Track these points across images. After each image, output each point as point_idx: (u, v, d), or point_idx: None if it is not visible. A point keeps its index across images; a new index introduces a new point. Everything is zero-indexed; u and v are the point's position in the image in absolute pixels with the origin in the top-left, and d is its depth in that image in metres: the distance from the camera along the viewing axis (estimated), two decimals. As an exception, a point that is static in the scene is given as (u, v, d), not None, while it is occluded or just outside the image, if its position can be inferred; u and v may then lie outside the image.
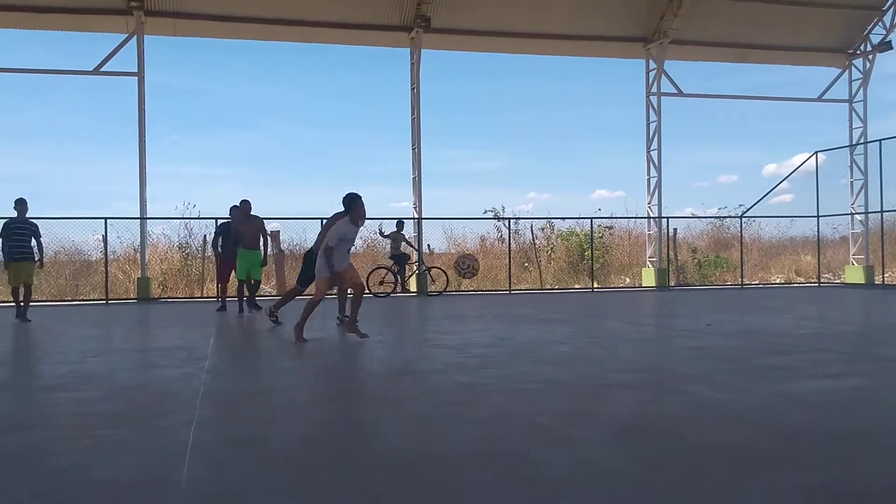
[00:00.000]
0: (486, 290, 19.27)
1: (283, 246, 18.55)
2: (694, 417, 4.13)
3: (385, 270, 16.75)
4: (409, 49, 18.09)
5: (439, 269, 17.98)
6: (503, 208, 22.21)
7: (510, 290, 18.90)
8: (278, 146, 35.82)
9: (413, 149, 18.34)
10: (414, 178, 18.39)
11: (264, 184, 35.12)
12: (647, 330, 9.53)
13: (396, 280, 16.62)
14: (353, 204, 7.85)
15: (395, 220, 16.77)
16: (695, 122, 39.24)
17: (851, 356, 6.51)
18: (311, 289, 8.52)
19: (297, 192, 36.54)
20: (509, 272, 19.30)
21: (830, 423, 3.93)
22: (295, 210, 34.30)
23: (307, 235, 18.82)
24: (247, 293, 11.83)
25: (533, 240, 21.72)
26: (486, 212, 21.91)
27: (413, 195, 18.48)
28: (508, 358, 6.61)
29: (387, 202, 50.00)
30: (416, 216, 18.32)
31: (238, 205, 11.54)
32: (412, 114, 18.28)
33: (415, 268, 17.59)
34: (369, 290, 16.32)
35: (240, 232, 11.39)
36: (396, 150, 36.56)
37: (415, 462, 3.27)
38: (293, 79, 35.21)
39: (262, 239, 11.58)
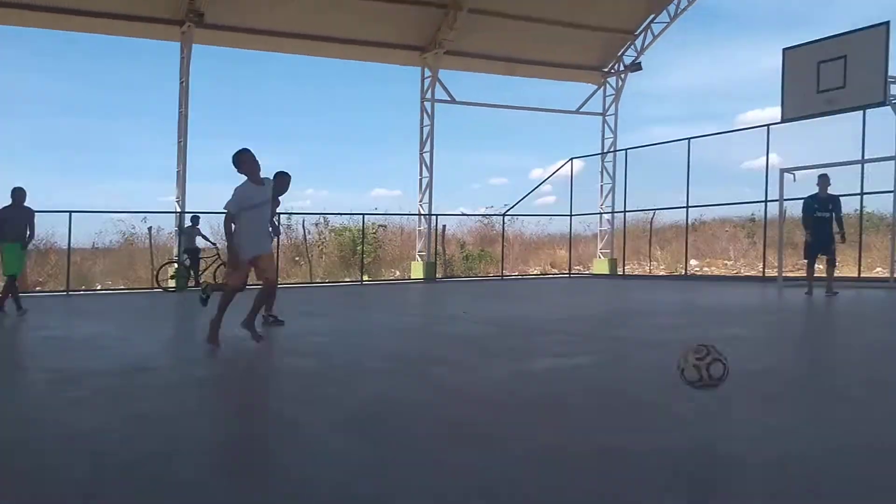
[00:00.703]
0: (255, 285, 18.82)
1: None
2: (436, 398, 4.35)
3: (177, 265, 16.31)
4: (179, 43, 17.44)
5: None
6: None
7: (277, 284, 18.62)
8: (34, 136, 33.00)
9: (179, 142, 17.59)
10: (178, 172, 17.63)
11: (17, 176, 32.00)
12: (408, 319, 9.83)
13: (189, 275, 16.12)
14: (241, 158, 6.24)
15: (190, 215, 16.38)
16: (472, 128, 41.00)
17: (585, 337, 7.15)
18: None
19: (53, 184, 33.57)
20: (277, 266, 18.97)
21: (556, 394, 4.31)
22: (48, 204, 31.55)
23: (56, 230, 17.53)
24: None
25: (304, 235, 21.64)
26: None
27: (177, 189, 17.71)
28: (259, 350, 6.53)
29: (154, 196, 47.33)
30: (179, 210, 17.58)
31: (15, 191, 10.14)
32: (180, 107, 17.57)
33: (208, 262, 17.07)
34: (158, 284, 15.93)
35: (8, 222, 9.99)
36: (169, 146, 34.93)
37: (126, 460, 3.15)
38: (51, 66, 32.57)
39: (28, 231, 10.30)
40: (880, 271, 17.61)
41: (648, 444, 3.14)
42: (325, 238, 22.28)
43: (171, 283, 16.16)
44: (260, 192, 6.28)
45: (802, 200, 12.22)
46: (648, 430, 3.41)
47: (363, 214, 21.03)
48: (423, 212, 20.39)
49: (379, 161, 41.77)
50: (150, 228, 18.94)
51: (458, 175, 40.34)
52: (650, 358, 5.60)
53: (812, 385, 4.72)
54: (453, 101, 20.41)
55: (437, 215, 20.74)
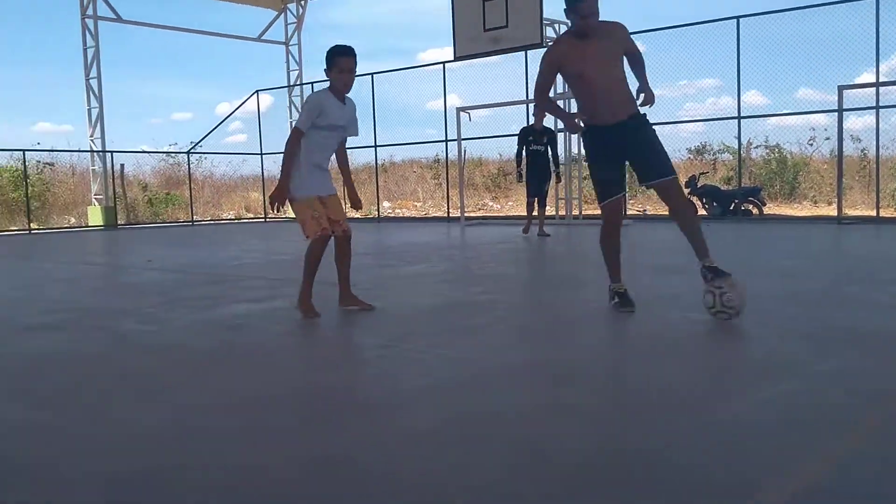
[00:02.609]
0: None
1: None
2: (115, 350, 3.99)
3: None
4: None
5: None
6: None
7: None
8: None
9: None
10: None
11: None
12: (85, 269, 8.95)
13: None
14: (336, 59, 4.52)
15: None
16: (147, 56, 37.97)
17: (279, 281, 7.03)
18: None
19: None
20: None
21: (253, 341, 4.17)
22: None
23: None
24: None
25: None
26: None
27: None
28: None
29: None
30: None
31: None
32: None
33: None
34: None
35: None
36: None
37: None
38: None
39: None
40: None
41: (340, 383, 3.15)
42: None
43: None
44: (341, 111, 4.64)
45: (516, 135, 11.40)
46: (343, 370, 3.42)
47: (23, 151, 18.57)
48: (95, 148, 18.55)
49: (42, 90, 37.25)
50: None
51: (136, 109, 37.50)
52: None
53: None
54: (119, 19, 18.57)
55: (112, 152, 18.97)
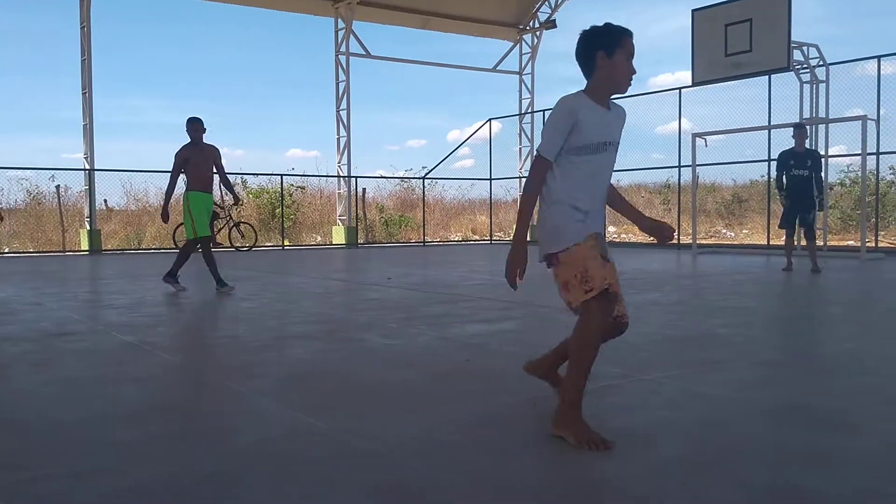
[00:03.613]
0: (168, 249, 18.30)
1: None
2: (364, 362, 4.30)
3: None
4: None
5: (248, 224, 18.48)
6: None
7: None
8: None
9: (83, 93, 16.73)
10: (85, 126, 16.80)
11: None
12: (332, 284, 9.71)
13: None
14: (619, 39, 2.83)
15: None
16: (387, 86, 40.57)
17: (509, 304, 7.20)
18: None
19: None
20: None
21: (483, 361, 4.32)
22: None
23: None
24: None
25: (222, 196, 21.04)
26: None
27: (84, 145, 16.89)
28: (184, 316, 6.34)
29: (58, 153, 45.30)
30: (88, 167, 16.79)
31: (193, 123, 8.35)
32: (82, 55, 16.66)
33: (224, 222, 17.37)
34: (175, 244, 15.90)
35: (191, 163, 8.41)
36: (69, 97, 33.29)
37: (56, 425, 3.00)
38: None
39: None
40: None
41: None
42: (241, 201, 21.70)
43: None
44: (606, 120, 2.88)
45: (776, 158, 10.61)
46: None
47: (282, 175, 20.61)
48: (342, 174, 20.09)
49: (294, 120, 40.99)
50: (57, 187, 18.16)
51: (375, 136, 40.08)
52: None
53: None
54: (368, 55, 20.01)
55: (356, 177, 20.48)
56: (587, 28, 2.88)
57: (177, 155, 8.07)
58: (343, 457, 2.60)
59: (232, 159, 39.92)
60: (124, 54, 35.22)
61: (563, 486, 2.34)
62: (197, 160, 8.04)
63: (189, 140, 8.08)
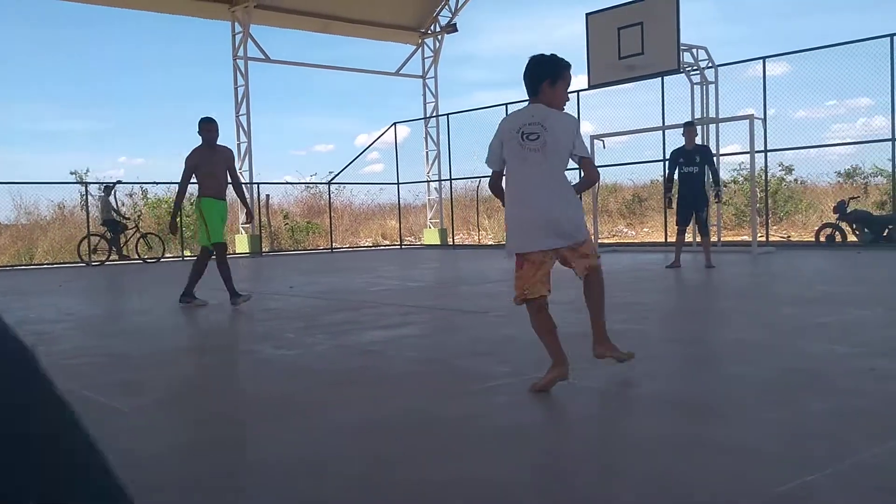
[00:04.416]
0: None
1: None
2: (255, 374, 4.19)
3: (98, 237, 16.29)
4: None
5: (156, 235, 18.04)
6: (87, 172, 20.56)
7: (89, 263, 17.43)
8: None
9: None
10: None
11: None
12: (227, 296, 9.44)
13: (111, 248, 16.14)
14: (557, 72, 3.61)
15: (103, 185, 16.51)
16: (290, 91, 39.99)
17: (412, 308, 7.17)
18: None
19: None
20: (89, 243, 17.72)
21: (378, 366, 4.28)
22: None
23: None
24: None
25: (116, 206, 20.30)
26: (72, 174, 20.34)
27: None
28: (70, 334, 6.05)
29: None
30: None
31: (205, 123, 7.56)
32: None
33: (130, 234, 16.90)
34: (81, 258, 15.84)
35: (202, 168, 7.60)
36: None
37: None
38: None
39: None
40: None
41: (462, 411, 3.17)
42: (139, 211, 20.94)
43: (95, 258, 16.13)
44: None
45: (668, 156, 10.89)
46: (465, 397, 3.45)
47: (178, 184, 19.95)
48: (244, 180, 19.64)
49: (195, 126, 40.03)
50: None
51: (280, 141, 39.47)
52: (468, 324, 5.70)
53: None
54: (268, 59, 19.64)
55: (259, 184, 20.04)
56: (538, 55, 3.66)
57: (187, 159, 7.43)
58: (228, 473, 2.51)
59: (131, 168, 38.62)
60: (11, 60, 33.50)
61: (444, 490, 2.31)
62: (209, 164, 7.42)
63: (201, 141, 7.48)
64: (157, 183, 20.24)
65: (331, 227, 21.78)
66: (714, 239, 14.22)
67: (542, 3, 42.79)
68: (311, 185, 24.33)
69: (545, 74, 3.57)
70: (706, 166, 10.36)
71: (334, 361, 4.49)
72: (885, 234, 13.63)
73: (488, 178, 3.89)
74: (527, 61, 3.65)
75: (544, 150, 3.47)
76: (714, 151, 13.68)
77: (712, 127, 14.35)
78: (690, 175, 10.25)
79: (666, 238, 17.09)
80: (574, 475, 2.38)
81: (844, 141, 15.07)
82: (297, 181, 24.52)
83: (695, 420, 2.97)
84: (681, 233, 10.58)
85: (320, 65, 21.71)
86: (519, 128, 3.53)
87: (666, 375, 3.85)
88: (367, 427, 2.99)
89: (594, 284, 3.77)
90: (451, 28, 22.15)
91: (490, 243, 21.91)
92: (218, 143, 7.61)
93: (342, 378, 4.00)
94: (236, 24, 19.10)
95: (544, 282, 3.57)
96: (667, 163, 10.90)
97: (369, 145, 23.55)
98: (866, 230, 13.92)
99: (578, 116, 17.53)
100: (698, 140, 11.21)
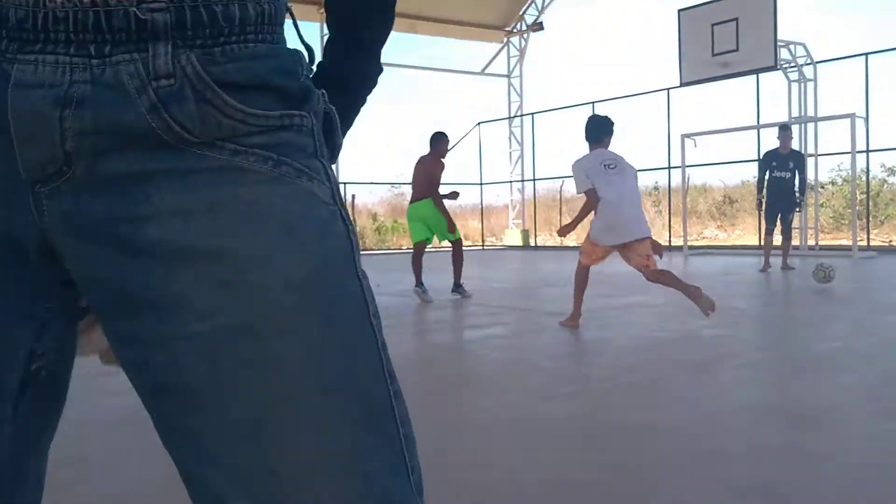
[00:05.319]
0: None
1: None
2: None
3: None
4: None
5: None
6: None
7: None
8: None
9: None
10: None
11: None
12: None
13: None
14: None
15: None
16: (378, 91, 40.50)
17: (500, 308, 7.19)
18: None
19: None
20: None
21: (472, 368, 4.31)
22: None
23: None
24: None
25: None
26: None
27: None
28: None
29: None
30: None
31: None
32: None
33: None
34: None
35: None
36: None
37: None
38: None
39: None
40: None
41: (562, 411, 3.16)
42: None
43: None
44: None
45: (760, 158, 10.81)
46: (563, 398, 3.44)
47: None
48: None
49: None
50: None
51: (366, 141, 39.98)
52: (554, 326, 5.67)
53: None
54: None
55: (345, 184, 20.37)
56: (597, 116, 5.89)
57: None
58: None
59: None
60: None
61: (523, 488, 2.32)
62: None
63: None
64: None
65: (414, 227, 21.95)
66: (811, 242, 13.73)
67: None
68: (395, 185, 24.59)
69: (603, 133, 5.68)
70: (797, 172, 10.05)
71: (427, 360, 4.54)
72: None
73: (571, 178, 5.46)
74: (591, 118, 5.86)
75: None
76: (812, 152, 13.20)
77: (810, 126, 13.82)
78: (782, 180, 9.96)
79: (760, 241, 16.57)
80: (667, 482, 2.34)
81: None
82: (382, 182, 24.83)
83: (795, 429, 2.88)
84: (768, 233, 10.30)
85: (405, 65, 21.93)
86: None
87: (769, 383, 3.74)
88: (461, 425, 3.02)
89: (657, 278, 5.43)
90: (538, 27, 22.01)
91: (573, 244, 21.61)
92: None
93: (435, 375, 4.05)
94: (325, 25, 19.47)
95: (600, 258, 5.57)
96: (759, 163, 10.59)
97: (453, 146, 23.62)
98: None
99: (668, 115, 17.21)
100: (794, 144, 10.83)
